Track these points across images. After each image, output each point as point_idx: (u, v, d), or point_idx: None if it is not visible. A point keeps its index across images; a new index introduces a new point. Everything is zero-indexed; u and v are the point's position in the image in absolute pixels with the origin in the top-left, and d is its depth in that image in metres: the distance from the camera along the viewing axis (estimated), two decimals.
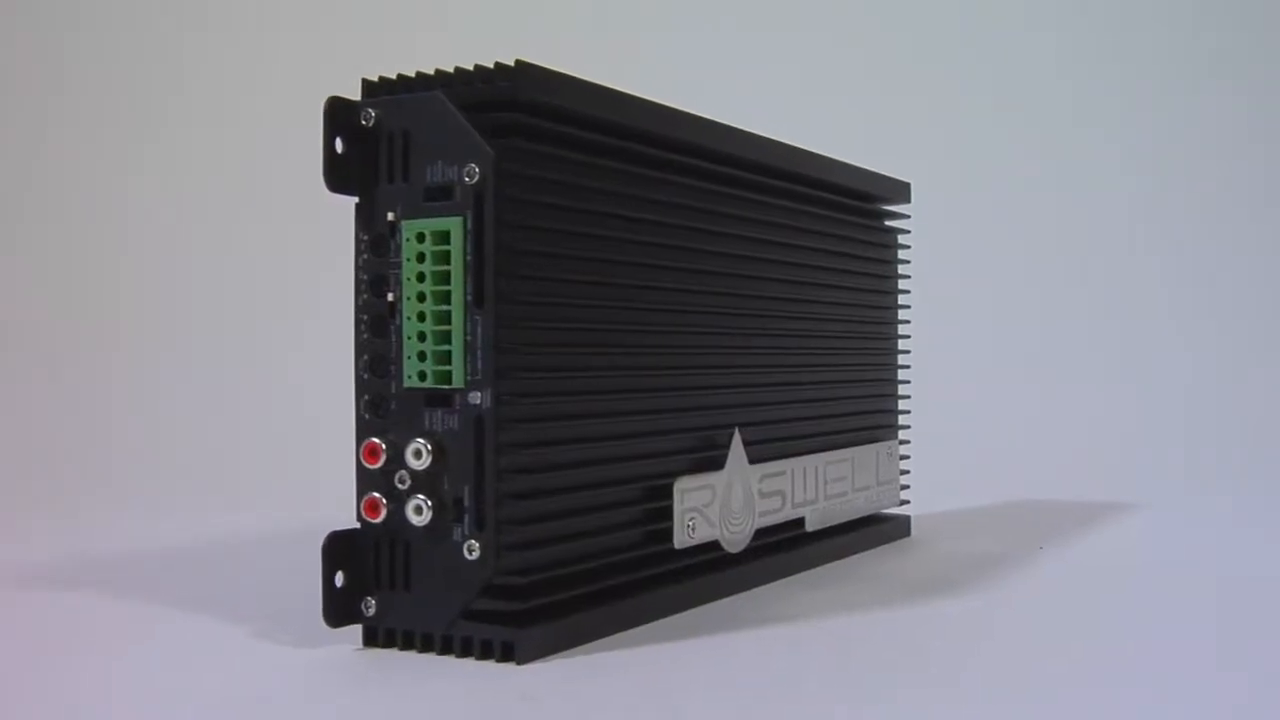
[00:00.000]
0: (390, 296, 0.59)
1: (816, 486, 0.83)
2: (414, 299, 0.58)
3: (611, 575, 0.65)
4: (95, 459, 1.34)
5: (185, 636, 0.65)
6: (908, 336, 0.99)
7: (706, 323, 0.73)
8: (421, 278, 0.58)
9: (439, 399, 0.58)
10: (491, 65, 0.59)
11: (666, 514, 0.68)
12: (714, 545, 0.72)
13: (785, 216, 0.81)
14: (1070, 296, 1.54)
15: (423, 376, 0.58)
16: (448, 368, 0.58)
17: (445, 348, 0.58)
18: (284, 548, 0.91)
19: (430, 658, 0.59)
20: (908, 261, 0.99)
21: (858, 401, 0.91)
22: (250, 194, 1.55)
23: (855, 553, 0.88)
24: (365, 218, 0.60)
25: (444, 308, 0.58)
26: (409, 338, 0.58)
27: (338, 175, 0.59)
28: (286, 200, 1.47)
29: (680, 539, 0.68)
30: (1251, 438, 1.38)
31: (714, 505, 0.71)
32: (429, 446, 0.58)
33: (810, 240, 0.84)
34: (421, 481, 0.58)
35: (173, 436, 1.40)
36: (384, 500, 0.59)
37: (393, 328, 0.59)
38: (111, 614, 0.71)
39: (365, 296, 0.60)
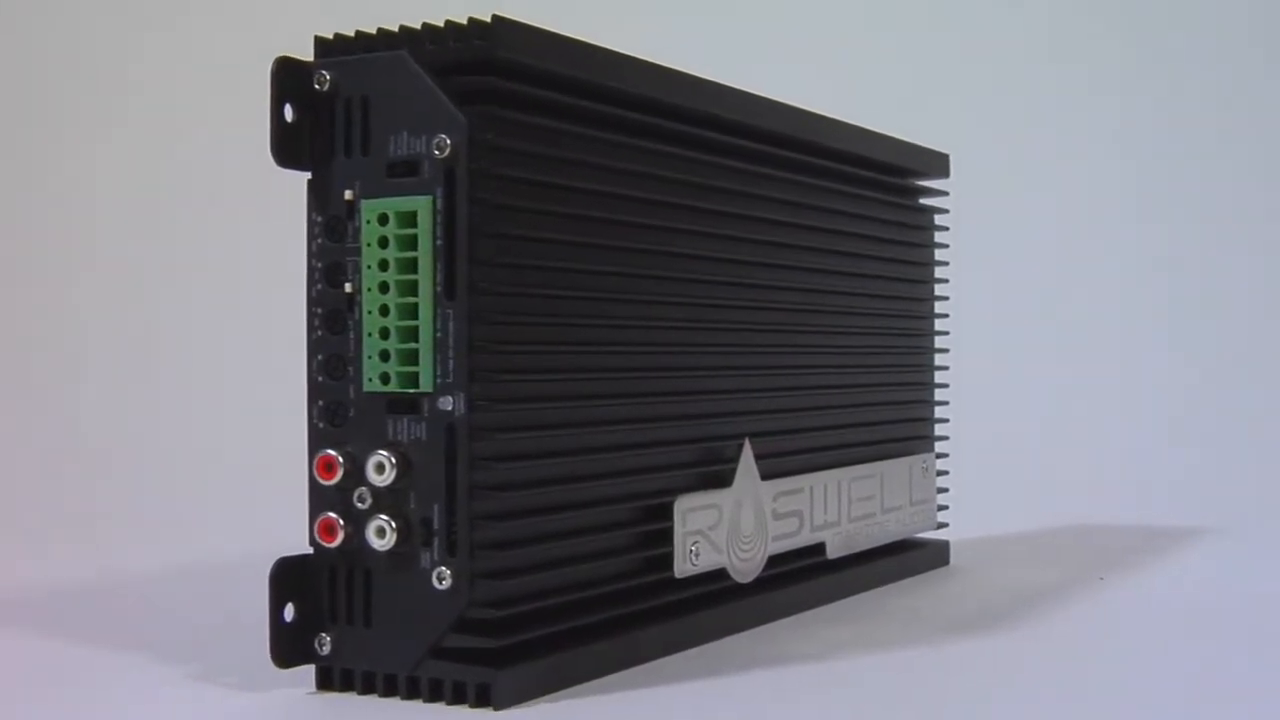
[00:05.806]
0: (348, 287, 0.60)
1: (839, 507, 0.84)
2: (376, 290, 0.59)
3: (602, 608, 0.66)
4: (19, 482, 1.34)
5: (116, 678, 0.65)
6: (946, 333, 0.99)
7: (713, 318, 0.73)
8: (384, 266, 0.58)
9: (404, 405, 0.59)
10: (464, 21, 0.59)
11: (666, 538, 0.68)
12: (720, 574, 0.72)
13: (804, 194, 0.81)
14: (1134, 291, 1.54)
15: (386, 379, 0.59)
16: (414, 369, 0.58)
17: (411, 346, 0.58)
18: (226, 577, 0.92)
19: (394, 702, 0.59)
20: (946, 246, 0.99)
21: (888, 409, 0.92)
22: (187, 168, 1.56)
23: (884, 583, 0.89)
24: (319, 197, 0.60)
25: (410, 300, 0.58)
26: (370, 335, 0.59)
27: (288, 147, 0.60)
28: (229, 176, 1.47)
29: (681, 567, 0.69)
30: None
31: (720, 528, 0.72)
32: (393, 460, 0.58)
33: (833, 222, 0.84)
34: (384, 500, 0.59)
35: (101, 449, 1.40)
36: (341, 521, 0.59)
37: (351, 323, 0.60)
38: (36, 653, 0.71)
39: (320, 287, 0.60)
